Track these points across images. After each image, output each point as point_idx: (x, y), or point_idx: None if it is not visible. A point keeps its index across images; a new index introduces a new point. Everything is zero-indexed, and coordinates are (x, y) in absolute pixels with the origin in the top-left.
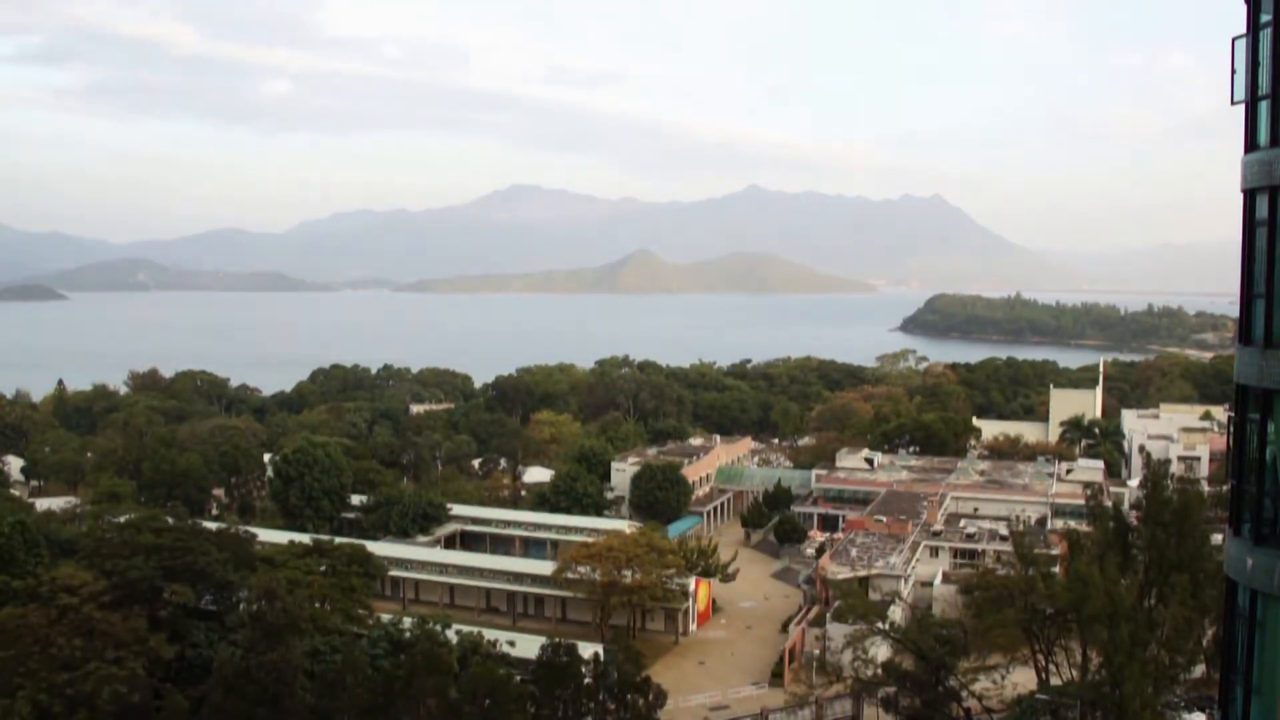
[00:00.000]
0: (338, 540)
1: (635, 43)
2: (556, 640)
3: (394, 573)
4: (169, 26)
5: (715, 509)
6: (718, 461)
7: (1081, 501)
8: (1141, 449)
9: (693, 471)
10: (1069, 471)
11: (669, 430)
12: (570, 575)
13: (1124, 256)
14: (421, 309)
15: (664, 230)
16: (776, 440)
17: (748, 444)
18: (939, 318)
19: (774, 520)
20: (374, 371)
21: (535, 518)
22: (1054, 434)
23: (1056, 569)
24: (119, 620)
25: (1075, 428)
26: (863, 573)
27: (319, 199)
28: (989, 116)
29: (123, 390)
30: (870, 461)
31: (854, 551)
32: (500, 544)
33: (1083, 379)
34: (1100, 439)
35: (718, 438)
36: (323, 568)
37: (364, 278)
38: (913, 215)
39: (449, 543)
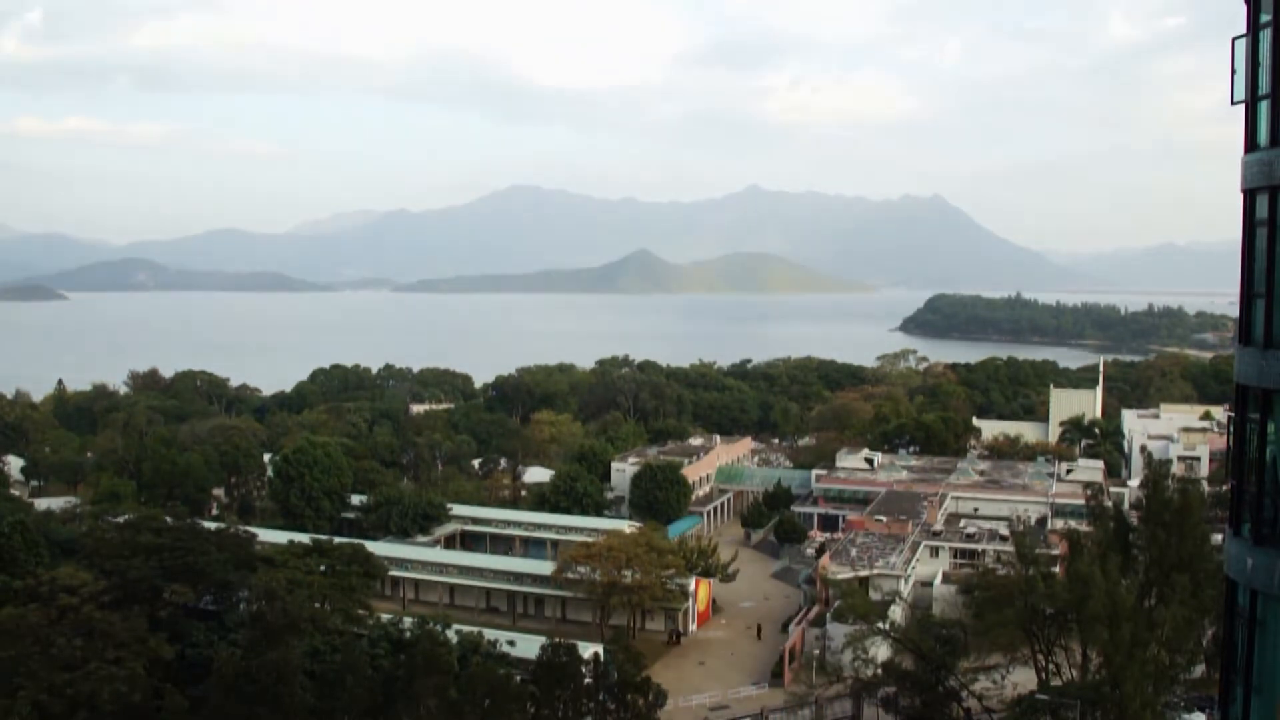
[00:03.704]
0: (338, 540)
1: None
2: (556, 640)
3: (394, 573)
4: None
5: (715, 509)
6: (718, 461)
7: (1081, 501)
8: (1142, 449)
9: (693, 471)
10: (1069, 471)
11: (669, 430)
12: (570, 575)
13: (1124, 256)
14: (422, 309)
15: (664, 230)
16: (776, 440)
17: (748, 444)
18: (939, 318)
19: (774, 520)
20: (374, 371)
21: (535, 518)
22: (1054, 434)
23: (1056, 569)
24: (119, 620)
25: (1075, 428)
26: (863, 573)
27: (319, 199)
28: (990, 116)
29: (123, 390)
30: (870, 461)
31: (854, 551)
32: (500, 544)
33: (1083, 379)
34: (1100, 439)
35: (718, 438)
36: (323, 568)
37: (364, 278)
38: (912, 215)
39: (449, 543)
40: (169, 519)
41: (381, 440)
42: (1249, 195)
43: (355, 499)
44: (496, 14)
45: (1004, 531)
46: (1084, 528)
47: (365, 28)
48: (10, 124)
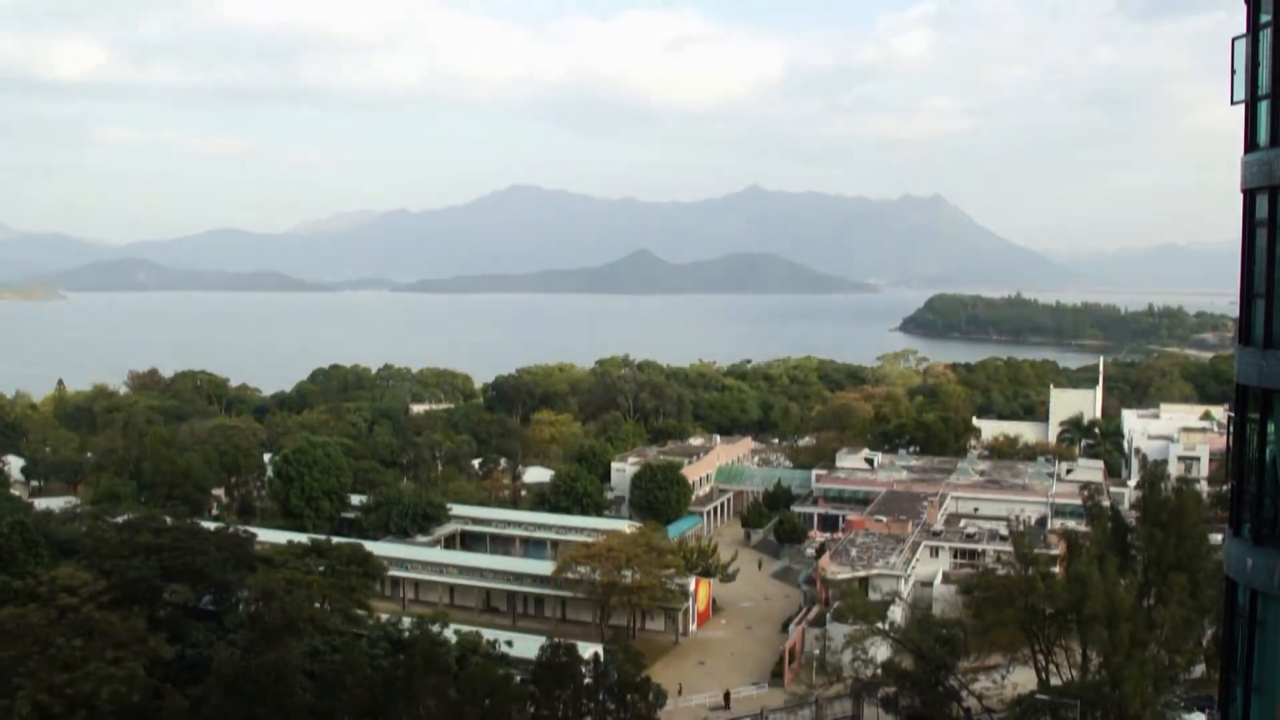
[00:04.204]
0: (337, 540)
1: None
2: (556, 640)
3: (394, 573)
4: None
5: (715, 509)
6: (718, 461)
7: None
8: (1137, 452)
9: (693, 471)
10: (1069, 471)
11: (669, 430)
12: (570, 575)
13: (1124, 256)
14: (422, 309)
15: (664, 230)
16: (776, 440)
17: (748, 444)
18: (939, 318)
19: (774, 520)
20: (374, 371)
21: (535, 518)
22: (1054, 434)
23: (1056, 569)
24: (119, 620)
25: (1075, 428)
26: (863, 573)
27: (319, 199)
28: (992, 119)
29: (123, 390)
30: (870, 461)
31: (854, 551)
32: (500, 544)
33: (1083, 379)
34: (1100, 439)
35: (718, 438)
36: (322, 568)
37: (364, 278)
38: (913, 215)
39: (449, 543)
40: (169, 519)
41: (381, 440)
42: (1249, 195)
43: (355, 499)
44: (618, 48)
45: (1004, 531)
46: (1083, 528)
47: (477, 59)
48: (103, 133)
